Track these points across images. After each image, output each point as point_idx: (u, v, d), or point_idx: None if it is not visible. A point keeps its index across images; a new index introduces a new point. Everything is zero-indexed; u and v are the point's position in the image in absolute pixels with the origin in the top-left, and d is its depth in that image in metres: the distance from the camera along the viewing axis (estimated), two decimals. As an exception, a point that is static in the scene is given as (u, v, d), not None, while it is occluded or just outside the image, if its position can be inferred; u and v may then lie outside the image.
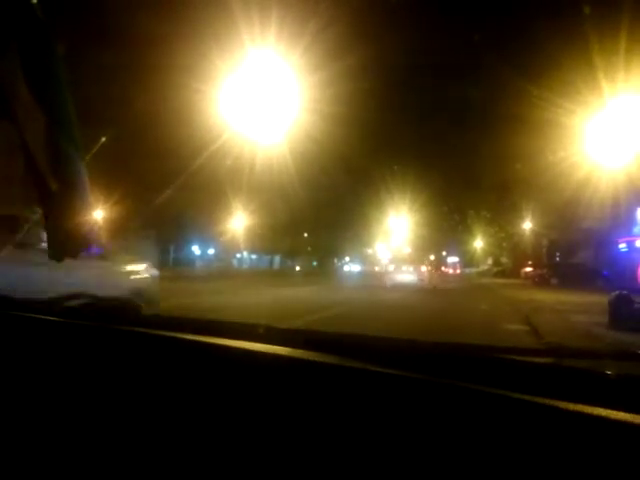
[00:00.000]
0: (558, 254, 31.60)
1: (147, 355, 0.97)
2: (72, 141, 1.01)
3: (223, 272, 30.90)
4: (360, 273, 42.21)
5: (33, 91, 0.96)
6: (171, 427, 0.82)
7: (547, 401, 0.60)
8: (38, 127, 0.97)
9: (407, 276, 18.94)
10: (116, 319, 1.14)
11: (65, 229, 1.02)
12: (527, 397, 0.61)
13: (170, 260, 36.77)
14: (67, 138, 1.00)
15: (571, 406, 0.58)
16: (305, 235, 41.29)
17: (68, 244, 1.04)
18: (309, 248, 44.17)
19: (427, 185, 37.16)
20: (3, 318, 1.28)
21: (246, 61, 11.24)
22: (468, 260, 55.34)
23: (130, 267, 7.44)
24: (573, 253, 27.35)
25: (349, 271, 44.25)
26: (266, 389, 0.79)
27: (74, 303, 1.29)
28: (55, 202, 1.00)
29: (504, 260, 46.54)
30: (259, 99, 11.70)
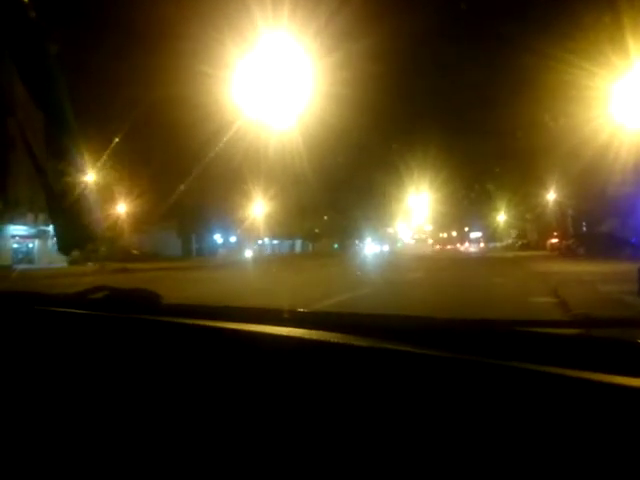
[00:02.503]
0: (584, 224, 30.91)
1: (169, 343, 0.97)
2: (71, 136, 1.02)
3: (250, 258, 31.05)
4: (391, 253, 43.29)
5: (30, 89, 0.97)
6: (194, 413, 0.82)
7: (579, 373, 0.57)
8: (37, 124, 0.98)
9: (473, 248, 43.56)
10: (138, 309, 1.15)
11: (70, 223, 1.03)
12: (558, 370, 0.59)
13: (193, 250, 37.28)
14: (65, 133, 1.01)
15: (603, 377, 0.56)
16: (325, 218, 41.29)
17: (74, 238, 1.06)
18: (317, 230, 44.51)
19: (447, 161, 36.79)
20: (29, 313, 1.30)
21: (259, 44, 11.11)
22: (491, 234, 54.99)
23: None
24: (600, 222, 26.70)
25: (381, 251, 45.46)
26: (287, 371, 0.78)
27: (97, 295, 1.31)
28: (58, 197, 1.02)
29: (528, 232, 45.90)
30: (273, 83, 11.60)
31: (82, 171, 1.04)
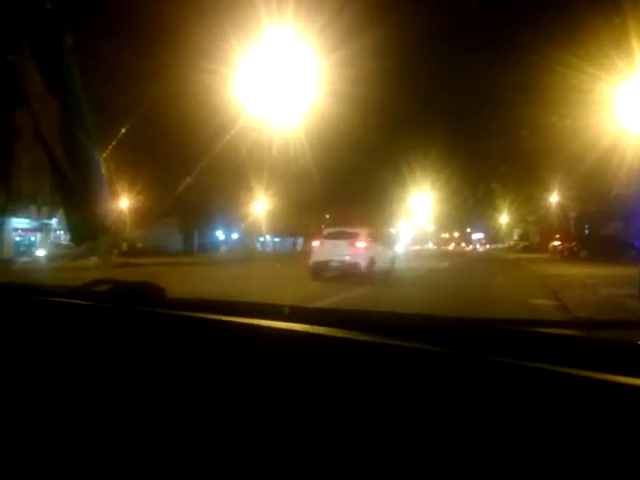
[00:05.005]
0: (587, 227, 30.81)
1: (173, 335, 0.98)
2: (85, 128, 1.03)
3: (252, 255, 30.80)
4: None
5: (45, 80, 0.98)
6: (197, 405, 0.83)
7: (581, 372, 0.58)
8: (52, 115, 0.99)
9: (480, 248, 58.70)
10: (141, 302, 1.16)
11: (81, 214, 1.05)
12: (559, 369, 0.59)
13: (195, 246, 37.29)
14: (79, 125, 1.02)
15: (603, 377, 0.56)
16: (327, 216, 41.25)
17: (85, 228, 1.08)
18: (322, 226, 44.05)
19: (449, 162, 36.71)
20: (33, 304, 1.31)
21: (263, 41, 11.05)
22: (493, 236, 55.93)
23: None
24: (603, 225, 26.62)
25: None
26: (288, 365, 0.79)
27: (100, 288, 1.32)
28: (70, 188, 1.03)
29: (530, 234, 45.78)
30: (277, 80, 11.55)
31: (96, 162, 1.06)
